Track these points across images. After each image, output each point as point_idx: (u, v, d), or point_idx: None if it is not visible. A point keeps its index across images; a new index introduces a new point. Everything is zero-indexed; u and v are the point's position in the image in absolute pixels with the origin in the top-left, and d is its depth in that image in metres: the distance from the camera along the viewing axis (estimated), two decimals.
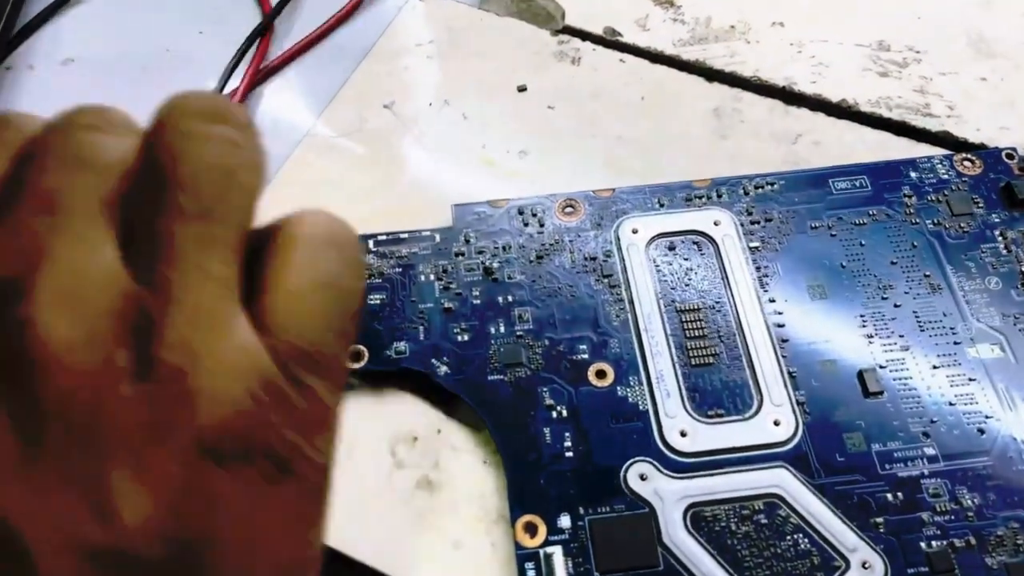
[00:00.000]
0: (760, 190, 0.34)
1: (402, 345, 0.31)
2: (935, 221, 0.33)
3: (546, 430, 0.29)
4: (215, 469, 0.13)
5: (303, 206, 0.36)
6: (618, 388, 0.30)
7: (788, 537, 0.27)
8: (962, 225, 0.33)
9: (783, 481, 0.28)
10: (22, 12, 0.46)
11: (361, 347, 0.31)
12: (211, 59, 0.44)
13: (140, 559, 0.13)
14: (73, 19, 0.46)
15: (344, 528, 0.29)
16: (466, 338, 0.31)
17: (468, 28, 0.42)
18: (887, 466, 0.28)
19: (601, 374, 0.30)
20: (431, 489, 0.30)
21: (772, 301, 0.32)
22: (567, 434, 0.29)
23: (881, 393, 0.30)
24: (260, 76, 0.42)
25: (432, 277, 0.33)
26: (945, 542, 0.27)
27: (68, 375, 0.13)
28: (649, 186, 0.35)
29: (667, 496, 0.28)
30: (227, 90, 0.42)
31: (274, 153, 0.40)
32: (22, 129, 0.15)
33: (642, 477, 0.28)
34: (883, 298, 0.32)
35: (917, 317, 0.31)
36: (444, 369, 0.31)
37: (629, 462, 0.29)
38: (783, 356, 0.30)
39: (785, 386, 0.30)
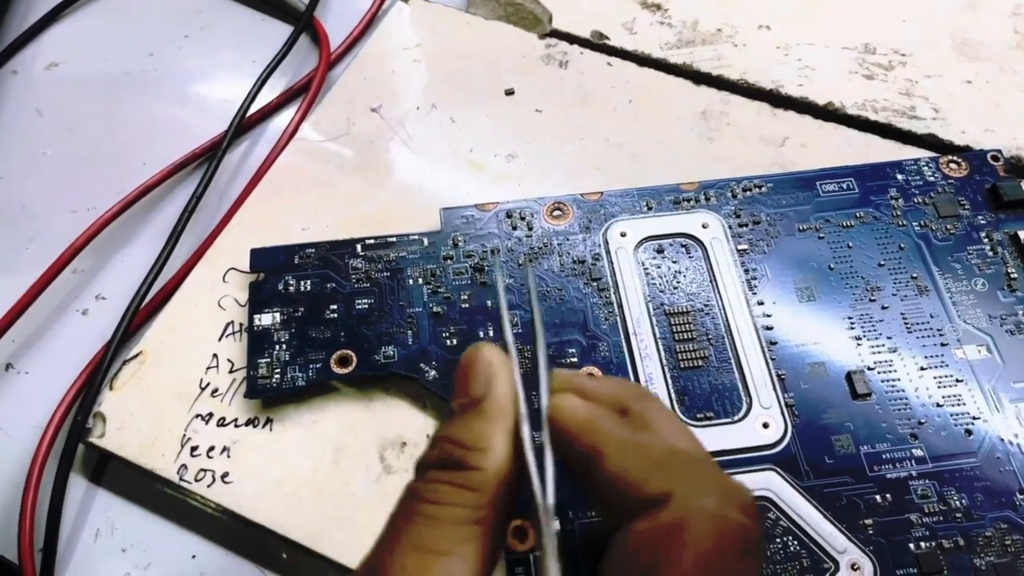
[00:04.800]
0: (748, 193, 0.34)
1: (390, 350, 0.31)
2: (922, 223, 0.33)
3: (536, 434, 0.29)
4: None
5: (290, 211, 0.35)
6: None
7: (778, 539, 0.27)
8: (948, 227, 0.33)
9: (772, 484, 0.28)
10: (6, 19, 0.46)
11: (349, 352, 0.31)
12: (196, 64, 0.44)
13: None
14: (57, 25, 0.46)
15: (333, 533, 0.29)
16: (455, 342, 0.31)
17: (455, 31, 0.42)
18: (876, 468, 0.28)
19: (591, 377, 0.30)
20: None
21: (760, 304, 0.32)
22: None
23: (869, 395, 0.30)
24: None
25: (420, 281, 0.32)
26: (934, 543, 0.27)
27: None
28: (637, 189, 0.35)
29: None
30: (257, 104, 0.42)
31: (261, 152, 0.40)
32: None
33: None
34: (871, 300, 0.32)
35: (904, 319, 0.31)
36: (433, 374, 0.30)
37: None
38: (772, 358, 0.31)
39: (774, 388, 0.30)
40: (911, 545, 0.27)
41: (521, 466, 0.21)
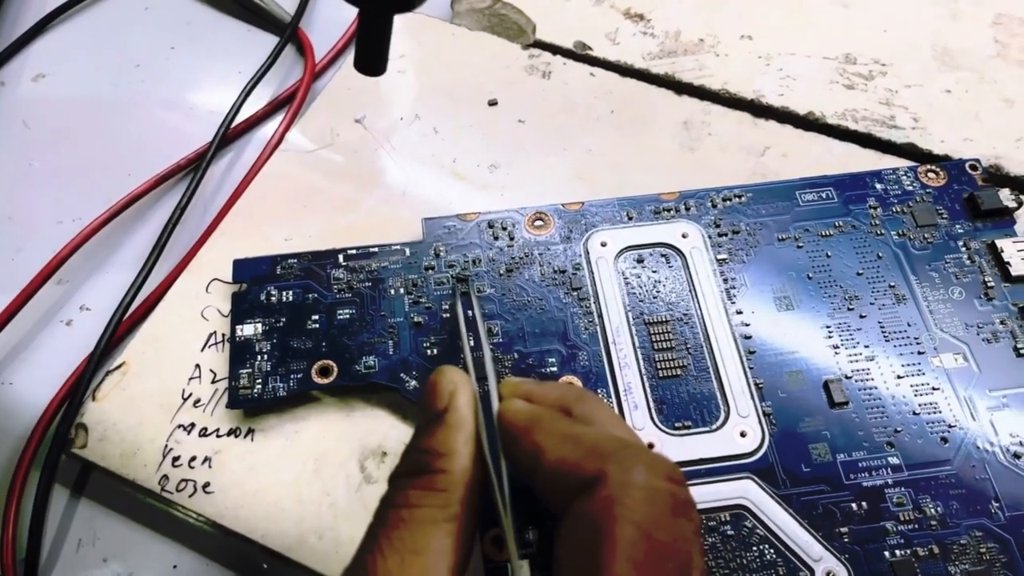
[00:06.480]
0: (728, 202, 0.34)
1: (371, 360, 0.31)
2: (900, 232, 0.34)
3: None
4: None
5: (274, 221, 0.35)
6: None
7: (754, 548, 0.27)
8: (926, 236, 0.33)
9: (749, 492, 0.28)
10: None
11: (331, 362, 0.31)
12: (182, 75, 0.44)
13: None
14: (44, 36, 0.46)
15: (314, 543, 0.29)
16: (435, 352, 0.31)
17: (439, 42, 0.42)
18: (852, 476, 0.29)
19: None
20: None
21: (739, 313, 0.32)
22: None
23: (847, 403, 0.30)
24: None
25: (402, 291, 0.33)
26: (909, 551, 0.27)
27: None
28: (618, 199, 0.35)
29: None
30: (242, 114, 0.42)
31: (246, 162, 0.40)
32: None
33: None
34: (849, 309, 0.32)
35: (882, 327, 0.31)
36: (413, 384, 0.31)
37: None
38: (750, 367, 0.31)
39: (752, 397, 0.30)
40: (886, 553, 0.27)
41: (484, 467, 0.23)
